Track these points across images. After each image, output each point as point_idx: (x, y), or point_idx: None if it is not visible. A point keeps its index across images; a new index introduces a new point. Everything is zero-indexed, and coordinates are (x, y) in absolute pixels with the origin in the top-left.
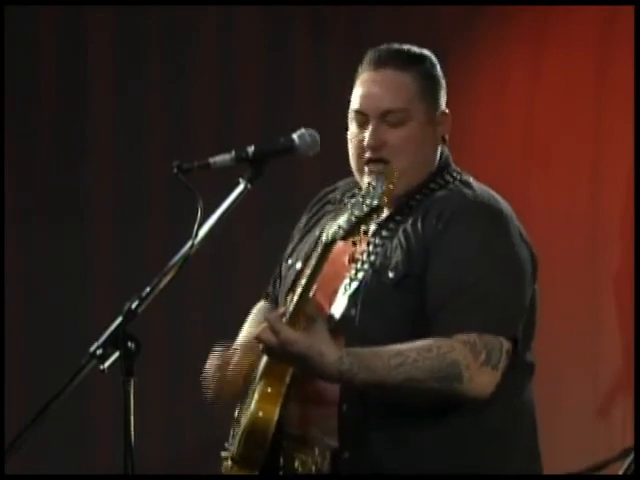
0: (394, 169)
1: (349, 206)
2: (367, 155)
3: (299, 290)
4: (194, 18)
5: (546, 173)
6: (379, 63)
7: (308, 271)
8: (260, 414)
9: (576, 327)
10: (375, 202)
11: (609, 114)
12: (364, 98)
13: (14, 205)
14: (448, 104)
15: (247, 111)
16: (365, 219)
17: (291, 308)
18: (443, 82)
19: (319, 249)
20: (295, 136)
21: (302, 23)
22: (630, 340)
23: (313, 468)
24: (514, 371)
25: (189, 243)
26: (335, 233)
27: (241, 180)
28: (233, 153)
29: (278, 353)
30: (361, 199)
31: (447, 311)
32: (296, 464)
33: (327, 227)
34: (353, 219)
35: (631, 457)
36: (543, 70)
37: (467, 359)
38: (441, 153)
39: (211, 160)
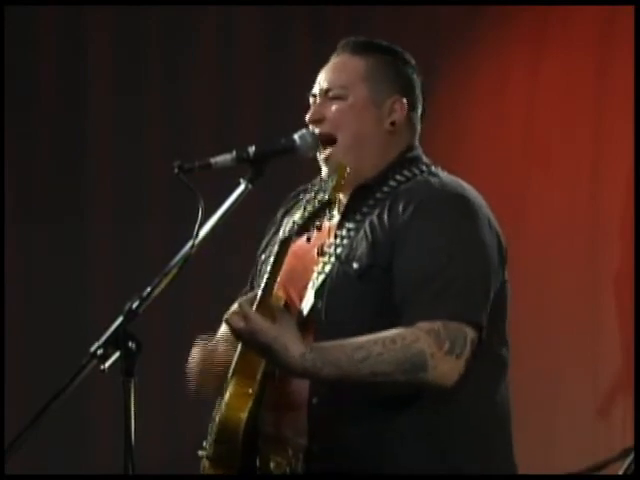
0: (344, 163)
1: (304, 202)
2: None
3: (262, 286)
4: (194, 18)
5: (546, 173)
6: (339, 50)
7: (268, 268)
8: (231, 412)
9: (576, 327)
10: (326, 197)
11: (609, 114)
12: (317, 82)
13: (14, 205)
14: (448, 104)
15: (247, 111)
16: (317, 214)
17: (255, 304)
18: (408, 76)
19: (276, 246)
20: (296, 136)
21: (302, 23)
22: (630, 340)
23: (287, 469)
24: (484, 360)
25: (190, 243)
26: (290, 229)
27: (242, 180)
28: (234, 153)
29: (246, 339)
30: (314, 194)
31: (413, 301)
32: (271, 466)
33: (284, 224)
34: (306, 214)
35: (631, 457)
36: (543, 70)
37: (432, 348)
38: (411, 147)
39: (212, 160)
